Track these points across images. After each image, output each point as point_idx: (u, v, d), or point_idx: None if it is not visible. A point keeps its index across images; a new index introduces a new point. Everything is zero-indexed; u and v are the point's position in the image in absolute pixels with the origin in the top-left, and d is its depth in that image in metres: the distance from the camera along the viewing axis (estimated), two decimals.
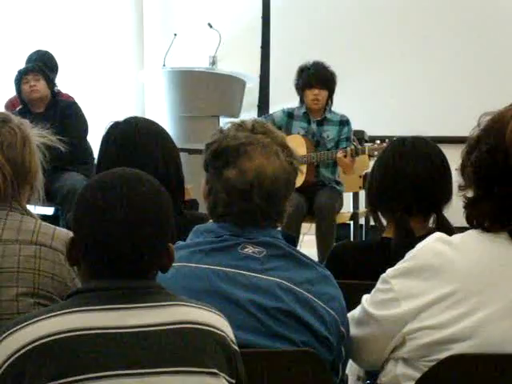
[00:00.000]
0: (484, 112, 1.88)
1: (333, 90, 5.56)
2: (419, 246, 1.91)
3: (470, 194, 1.90)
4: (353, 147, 5.37)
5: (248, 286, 1.94)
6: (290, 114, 5.63)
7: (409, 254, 1.92)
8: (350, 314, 2.07)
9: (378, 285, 1.97)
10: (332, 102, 5.61)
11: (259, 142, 2.03)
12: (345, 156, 5.32)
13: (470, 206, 1.88)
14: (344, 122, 5.58)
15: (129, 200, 1.61)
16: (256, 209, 2.01)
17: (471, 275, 1.81)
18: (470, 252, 1.84)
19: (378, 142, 5.24)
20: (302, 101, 5.62)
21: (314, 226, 5.56)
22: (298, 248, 2.12)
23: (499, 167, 1.80)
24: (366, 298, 2.02)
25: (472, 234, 1.88)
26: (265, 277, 1.95)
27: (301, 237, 5.46)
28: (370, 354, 2.02)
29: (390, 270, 1.94)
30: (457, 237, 1.89)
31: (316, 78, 5.49)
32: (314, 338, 1.95)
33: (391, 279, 1.91)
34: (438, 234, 1.90)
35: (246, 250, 1.99)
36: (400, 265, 1.92)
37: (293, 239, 2.12)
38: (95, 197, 1.63)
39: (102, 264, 1.62)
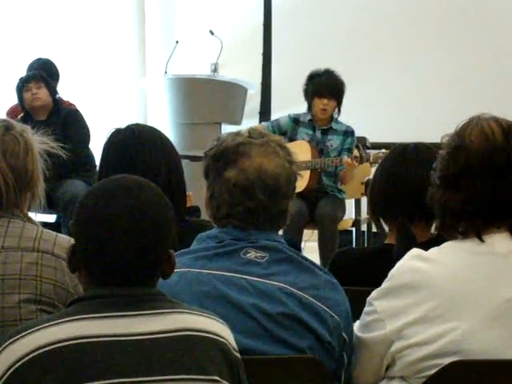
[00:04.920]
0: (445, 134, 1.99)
1: (341, 101, 5.55)
2: (397, 265, 1.94)
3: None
4: (357, 154, 5.36)
5: (251, 291, 1.94)
6: (295, 120, 5.61)
7: (389, 274, 1.94)
8: None
9: (365, 308, 1.99)
10: (340, 113, 5.59)
11: (258, 142, 2.05)
12: (351, 160, 5.31)
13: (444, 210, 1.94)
14: (348, 133, 5.58)
15: (130, 207, 1.61)
16: (259, 207, 2.01)
17: (450, 288, 1.84)
18: (447, 265, 1.87)
19: (384, 150, 5.24)
20: (309, 107, 5.60)
21: (315, 232, 5.55)
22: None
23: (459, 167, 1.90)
24: (357, 323, 2.04)
25: (448, 246, 1.92)
26: (268, 281, 1.96)
27: (302, 243, 5.46)
28: (366, 377, 2.03)
29: (373, 292, 1.97)
30: (433, 251, 1.92)
31: (327, 88, 5.46)
32: (318, 342, 1.95)
33: (374, 301, 1.94)
34: (414, 252, 1.93)
35: (249, 254, 1.99)
36: (382, 286, 1.95)
37: (297, 245, 2.12)
38: (96, 204, 1.63)
39: (103, 271, 1.62)
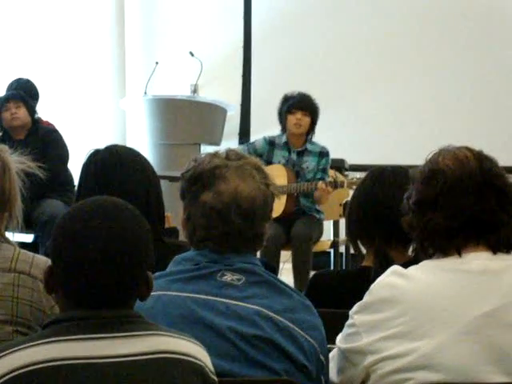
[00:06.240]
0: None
1: (315, 121, 5.58)
2: (377, 280, 1.98)
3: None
4: (332, 180, 5.41)
5: (227, 314, 1.94)
6: (271, 143, 5.65)
7: (369, 289, 1.98)
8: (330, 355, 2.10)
9: (347, 321, 2.02)
10: (314, 133, 5.63)
11: (234, 164, 2.05)
12: (326, 186, 5.36)
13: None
14: (323, 154, 5.62)
15: (108, 229, 1.61)
16: (235, 231, 2.01)
17: (423, 304, 1.88)
18: (422, 281, 1.91)
19: (358, 175, 5.29)
20: (283, 129, 5.64)
21: None
22: (278, 276, 2.13)
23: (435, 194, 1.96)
24: (339, 334, 2.05)
25: (425, 264, 1.96)
26: (244, 304, 1.96)
27: (281, 265, 5.47)
28: None
29: (354, 306, 2.00)
30: (411, 268, 1.96)
31: (301, 103, 5.52)
32: (293, 366, 1.95)
33: (354, 314, 1.98)
34: (393, 268, 1.97)
35: (225, 277, 1.99)
36: (362, 300, 1.99)
37: (273, 268, 2.13)
38: (74, 226, 1.62)
39: (80, 293, 1.61)
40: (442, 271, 1.92)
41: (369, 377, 1.92)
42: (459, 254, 1.92)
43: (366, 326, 1.92)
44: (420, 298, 1.88)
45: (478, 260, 1.91)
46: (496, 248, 1.94)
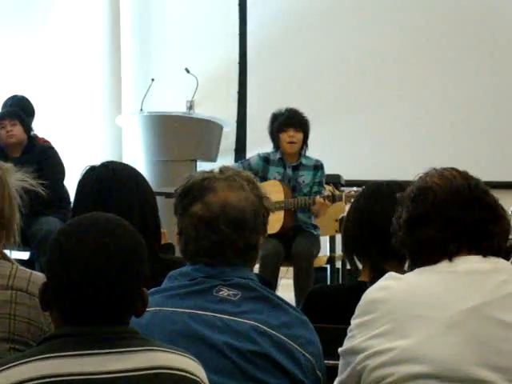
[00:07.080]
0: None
1: (307, 135, 5.60)
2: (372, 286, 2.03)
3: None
4: (329, 194, 5.41)
5: (224, 329, 1.94)
6: (265, 159, 5.66)
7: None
8: None
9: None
10: (307, 147, 5.65)
11: (223, 176, 2.06)
12: (324, 200, 5.37)
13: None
14: (318, 167, 5.63)
15: (102, 245, 1.61)
16: (225, 240, 2.01)
17: (409, 301, 1.93)
18: (409, 282, 1.98)
19: (355, 188, 5.29)
20: (276, 146, 5.65)
21: (291, 269, 5.55)
22: (276, 292, 2.13)
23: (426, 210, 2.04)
24: None
25: (418, 269, 2.03)
26: (240, 320, 1.96)
27: (278, 280, 5.46)
28: None
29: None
30: (406, 274, 2.04)
31: (291, 120, 5.54)
32: (290, 381, 1.95)
33: (352, 320, 2.01)
34: (389, 273, 2.03)
35: (221, 292, 2.00)
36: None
37: (269, 283, 2.13)
38: (68, 242, 1.62)
39: (75, 309, 1.61)
40: (430, 273, 1.98)
41: (361, 375, 1.94)
42: (450, 261, 1.99)
43: (359, 328, 1.96)
44: (406, 296, 1.93)
45: (466, 263, 1.98)
46: (487, 254, 2.00)
